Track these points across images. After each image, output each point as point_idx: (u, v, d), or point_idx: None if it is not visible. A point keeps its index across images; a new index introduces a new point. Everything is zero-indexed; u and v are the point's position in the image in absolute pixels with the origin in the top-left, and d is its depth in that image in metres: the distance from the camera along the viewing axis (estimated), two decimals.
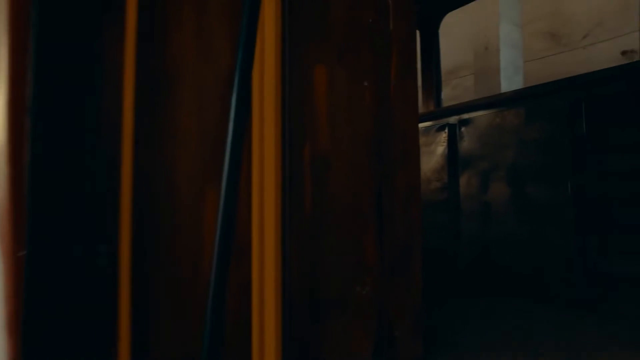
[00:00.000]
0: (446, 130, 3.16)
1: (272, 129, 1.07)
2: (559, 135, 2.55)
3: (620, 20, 8.05)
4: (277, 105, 1.08)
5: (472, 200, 3.00)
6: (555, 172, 2.56)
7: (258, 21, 1.02)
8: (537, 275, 2.64)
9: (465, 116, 3.09)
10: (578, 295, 2.46)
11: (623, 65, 2.45)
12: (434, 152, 3.26)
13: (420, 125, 3.44)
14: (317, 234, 1.28)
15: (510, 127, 2.77)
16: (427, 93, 4.89)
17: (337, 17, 1.36)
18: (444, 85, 11.15)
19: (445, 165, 3.18)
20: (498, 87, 8.47)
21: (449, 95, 11.05)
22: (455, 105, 3.20)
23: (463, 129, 3.07)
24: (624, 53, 7.88)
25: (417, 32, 5.14)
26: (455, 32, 10.46)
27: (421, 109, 5.06)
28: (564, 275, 2.53)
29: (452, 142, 3.13)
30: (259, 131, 1.09)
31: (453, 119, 3.17)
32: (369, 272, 1.36)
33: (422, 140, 3.37)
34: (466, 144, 3.04)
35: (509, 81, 8.44)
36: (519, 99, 2.75)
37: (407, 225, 1.45)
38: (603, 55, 8.16)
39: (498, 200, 2.83)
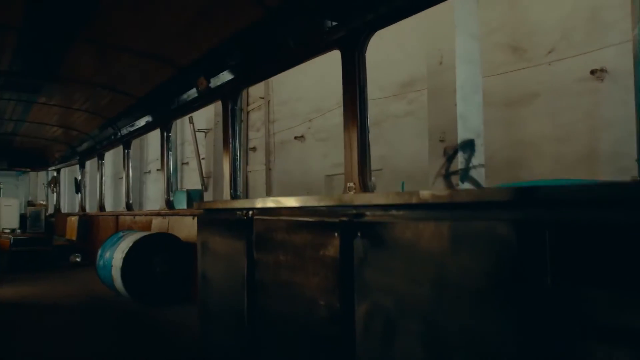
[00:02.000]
0: (338, 235, 2.02)
1: None
2: (504, 287, 1.44)
3: (588, 35, 7.08)
4: None
5: (373, 353, 1.86)
6: (500, 354, 1.43)
7: None
8: None
9: (364, 216, 1.95)
10: None
11: (628, 183, 1.34)
12: (321, 260, 2.11)
13: (300, 217, 2.29)
14: None
15: (425, 253, 1.64)
16: (348, 130, 3.78)
17: None
18: (398, 99, 10.07)
19: (336, 286, 2.04)
20: (453, 108, 7.42)
21: (405, 110, 9.96)
22: (353, 198, 2.05)
23: (360, 234, 1.92)
24: (593, 72, 6.92)
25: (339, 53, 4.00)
26: (410, 41, 9.37)
27: (343, 154, 3.92)
28: None
29: (347, 252, 1.99)
30: None
31: (348, 214, 2.02)
32: None
33: (303, 238, 2.23)
34: (366, 258, 1.90)
35: (466, 101, 7.38)
36: (443, 206, 1.62)
37: None
38: (570, 73, 7.18)
39: None
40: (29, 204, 17.34)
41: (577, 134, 7.10)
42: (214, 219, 3.11)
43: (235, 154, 5.59)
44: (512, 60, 7.96)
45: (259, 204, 2.61)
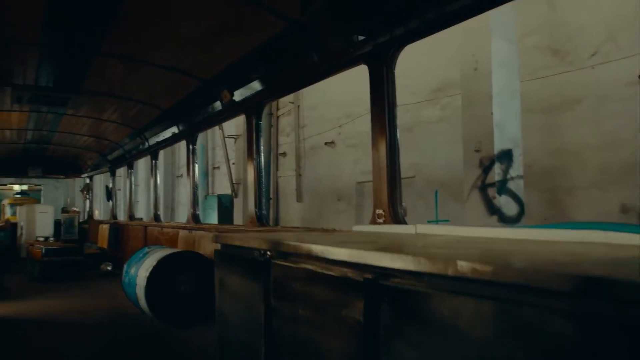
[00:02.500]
0: (362, 296, 1.76)
1: None
2: None
3: (635, 36, 6.57)
4: None
5: None
6: None
7: None
8: None
9: (391, 277, 1.69)
10: None
11: None
12: (344, 322, 1.87)
13: (320, 267, 2.05)
14: None
15: (464, 334, 1.38)
16: (377, 151, 3.54)
17: None
18: (431, 104, 9.69)
19: (360, 354, 1.79)
20: (489, 116, 7.03)
21: (438, 116, 9.58)
22: (378, 257, 1.78)
23: (387, 299, 1.67)
24: None
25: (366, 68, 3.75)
26: (441, 44, 8.99)
27: (370, 166, 3.66)
28: None
29: (372, 316, 1.73)
30: None
31: (374, 272, 1.76)
32: None
33: (323, 292, 1.99)
34: (394, 328, 1.65)
35: (503, 109, 6.97)
36: (486, 282, 1.36)
37: None
38: (616, 76, 6.69)
39: None
40: (63, 210, 17.62)
41: (624, 141, 6.60)
42: (231, 256, 2.90)
43: (260, 170, 5.38)
44: (552, 63, 7.49)
45: (278, 246, 2.38)
